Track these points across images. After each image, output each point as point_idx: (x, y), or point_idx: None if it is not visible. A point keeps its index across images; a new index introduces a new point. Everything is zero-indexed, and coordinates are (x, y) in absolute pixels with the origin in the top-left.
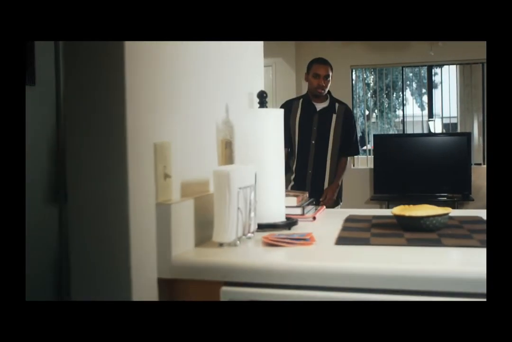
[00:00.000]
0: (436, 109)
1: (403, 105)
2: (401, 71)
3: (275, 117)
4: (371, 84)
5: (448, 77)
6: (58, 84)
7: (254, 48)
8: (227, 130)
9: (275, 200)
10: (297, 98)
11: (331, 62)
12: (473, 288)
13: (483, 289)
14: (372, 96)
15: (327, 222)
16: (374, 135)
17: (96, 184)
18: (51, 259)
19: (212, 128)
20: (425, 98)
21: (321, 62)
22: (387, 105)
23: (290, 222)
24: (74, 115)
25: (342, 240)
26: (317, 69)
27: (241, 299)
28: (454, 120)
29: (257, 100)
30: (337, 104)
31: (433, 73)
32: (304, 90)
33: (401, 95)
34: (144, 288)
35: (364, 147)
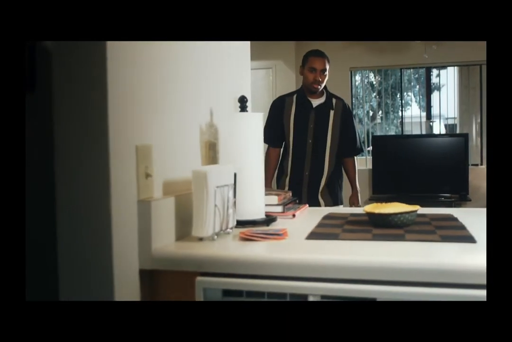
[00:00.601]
0: (436, 110)
1: (402, 106)
2: (401, 73)
3: (255, 121)
4: (375, 85)
5: (446, 79)
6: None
7: (241, 50)
8: (211, 132)
9: (255, 198)
10: (291, 94)
11: (331, 64)
12: (429, 277)
13: (431, 279)
14: (376, 97)
15: (306, 219)
16: (373, 136)
17: (81, 182)
18: (51, 259)
19: (196, 131)
20: (424, 99)
21: (318, 54)
22: (391, 107)
23: (268, 219)
24: (60, 117)
25: (313, 235)
26: (313, 62)
27: (214, 288)
28: (454, 121)
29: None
30: (334, 100)
31: (431, 75)
32: None
33: (401, 96)
34: (127, 277)
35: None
